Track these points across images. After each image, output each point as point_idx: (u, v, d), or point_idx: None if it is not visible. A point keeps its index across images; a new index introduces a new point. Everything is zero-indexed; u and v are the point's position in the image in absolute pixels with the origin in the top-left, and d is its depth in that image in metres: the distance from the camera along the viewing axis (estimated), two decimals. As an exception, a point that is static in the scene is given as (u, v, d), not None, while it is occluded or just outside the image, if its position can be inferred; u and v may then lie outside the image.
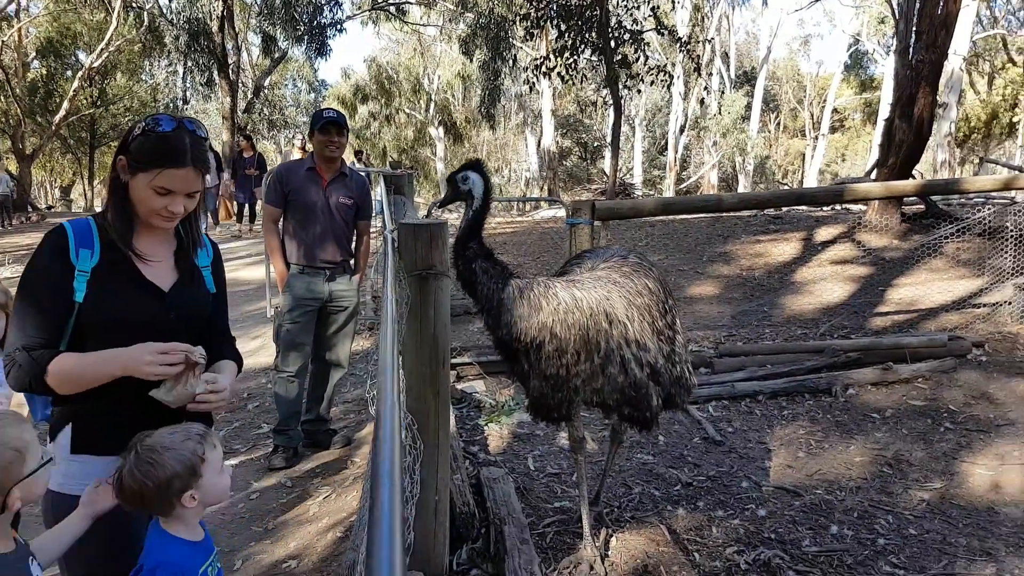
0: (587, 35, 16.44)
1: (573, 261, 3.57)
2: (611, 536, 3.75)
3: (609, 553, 3.60)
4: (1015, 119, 26.48)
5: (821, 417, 5.60)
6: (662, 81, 16.12)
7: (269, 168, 11.77)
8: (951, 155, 21.23)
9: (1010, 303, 7.50)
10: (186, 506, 2.02)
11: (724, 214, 13.76)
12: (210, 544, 2.14)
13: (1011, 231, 7.47)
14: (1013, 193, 11.81)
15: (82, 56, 31.99)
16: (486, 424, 5.44)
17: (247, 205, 17.81)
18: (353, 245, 5.43)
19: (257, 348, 8.04)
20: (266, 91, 33.71)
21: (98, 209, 3.18)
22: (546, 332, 2.99)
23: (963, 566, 3.61)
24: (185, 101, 36.12)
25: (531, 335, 3.00)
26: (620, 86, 16.40)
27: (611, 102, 17.05)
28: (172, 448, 2.00)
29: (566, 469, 4.60)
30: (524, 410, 5.89)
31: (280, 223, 5.20)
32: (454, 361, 6.49)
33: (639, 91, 19.49)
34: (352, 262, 5.38)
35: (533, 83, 18.17)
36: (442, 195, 3.16)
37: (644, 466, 4.69)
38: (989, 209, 8.60)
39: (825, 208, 14.60)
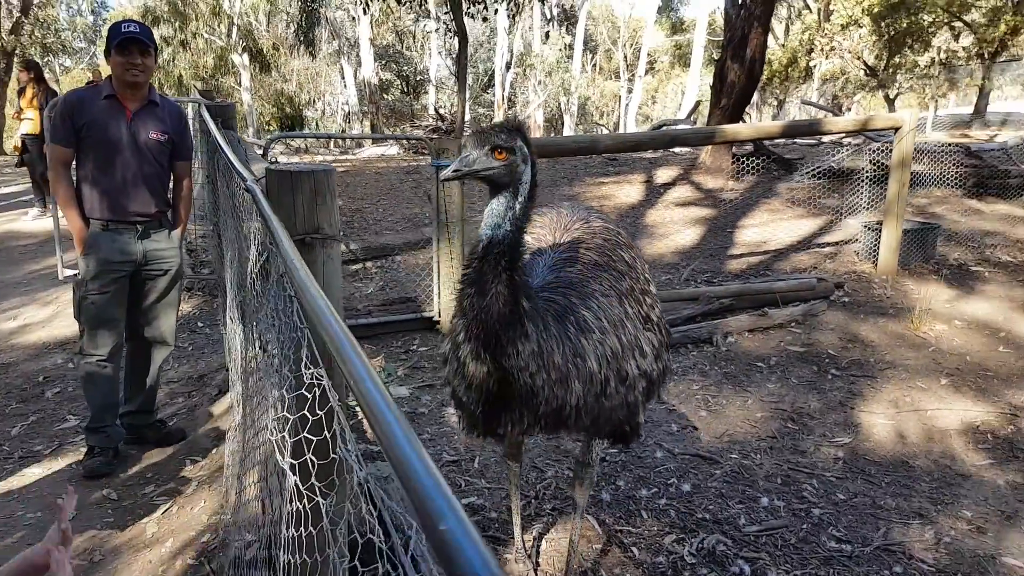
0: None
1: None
2: (540, 538, 3.18)
3: (540, 560, 3.04)
4: (811, 63, 28.39)
5: (709, 369, 5.35)
6: (508, 10, 15.30)
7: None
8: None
9: (857, 240, 7.72)
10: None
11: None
12: None
13: (865, 171, 7.64)
14: (824, 138, 12.37)
15: None
16: (356, 404, 4.65)
17: None
18: (171, 192, 4.36)
19: (50, 317, 6.61)
20: (36, 10, 28.97)
21: None
22: (598, 379, 2.28)
23: (901, 531, 3.42)
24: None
25: (575, 398, 2.24)
26: (463, 13, 15.39)
27: (453, 30, 15.91)
28: None
29: (464, 455, 3.97)
30: (398, 383, 5.19)
31: (73, 167, 4.03)
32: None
33: (485, 19, 18.51)
34: (170, 213, 4.31)
35: (367, 4, 16.62)
36: (466, 151, 2.00)
37: (549, 442, 4.16)
38: (847, 151, 8.85)
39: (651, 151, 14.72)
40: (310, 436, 1.64)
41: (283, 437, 1.75)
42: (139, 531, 3.53)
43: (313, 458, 1.62)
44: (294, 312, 1.91)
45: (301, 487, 1.60)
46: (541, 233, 2.59)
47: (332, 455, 1.64)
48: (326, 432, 1.61)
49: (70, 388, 5.19)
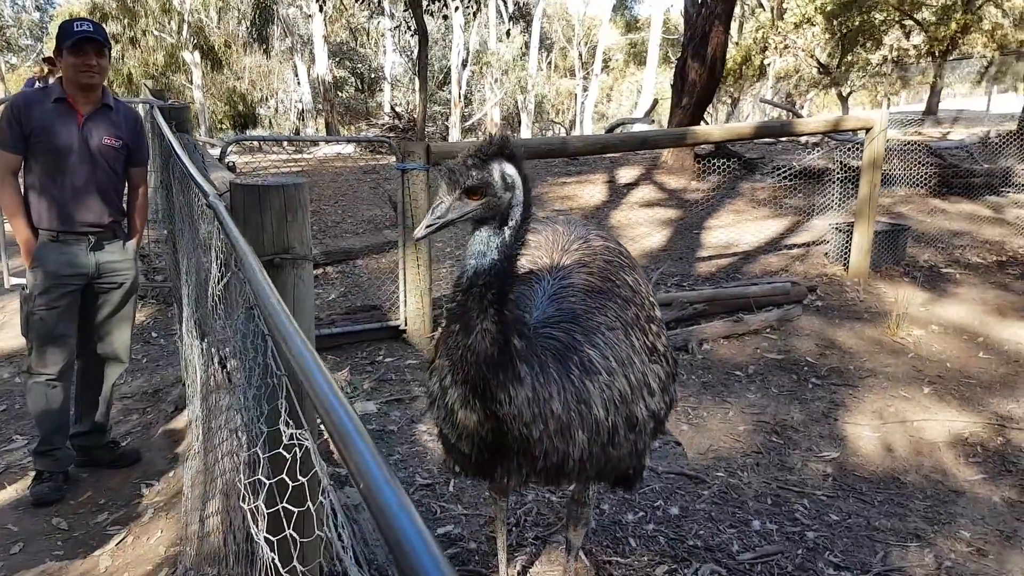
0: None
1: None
2: (524, 573, 2.98)
3: (530, 601, 2.84)
4: (765, 61, 28.67)
5: (687, 379, 5.21)
6: (467, 8, 15.02)
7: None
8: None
9: (826, 242, 7.67)
10: None
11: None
12: None
13: (836, 172, 7.60)
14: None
15: None
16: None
17: None
18: (125, 200, 4.07)
19: (-9, 329, 6.20)
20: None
21: None
22: (605, 427, 2.05)
23: (900, 555, 3.30)
24: None
25: (579, 451, 2.01)
26: (423, 11, 15.01)
27: (412, 28, 15.55)
28: None
29: (438, 478, 3.75)
30: (365, 398, 4.93)
31: (20, 175, 3.75)
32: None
33: (445, 17, 18.17)
34: (125, 223, 4.03)
35: (323, 2, 16.21)
36: (438, 199, 1.79)
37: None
38: (818, 151, 8.82)
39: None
40: (291, 507, 1.40)
41: (257, 506, 1.50)
42: (92, 564, 3.26)
43: (294, 535, 1.38)
44: (268, 353, 1.66)
45: (282, 570, 1.36)
46: (537, 255, 2.35)
47: (318, 533, 1.40)
48: (310, 504, 1.38)
49: (17, 405, 4.84)
